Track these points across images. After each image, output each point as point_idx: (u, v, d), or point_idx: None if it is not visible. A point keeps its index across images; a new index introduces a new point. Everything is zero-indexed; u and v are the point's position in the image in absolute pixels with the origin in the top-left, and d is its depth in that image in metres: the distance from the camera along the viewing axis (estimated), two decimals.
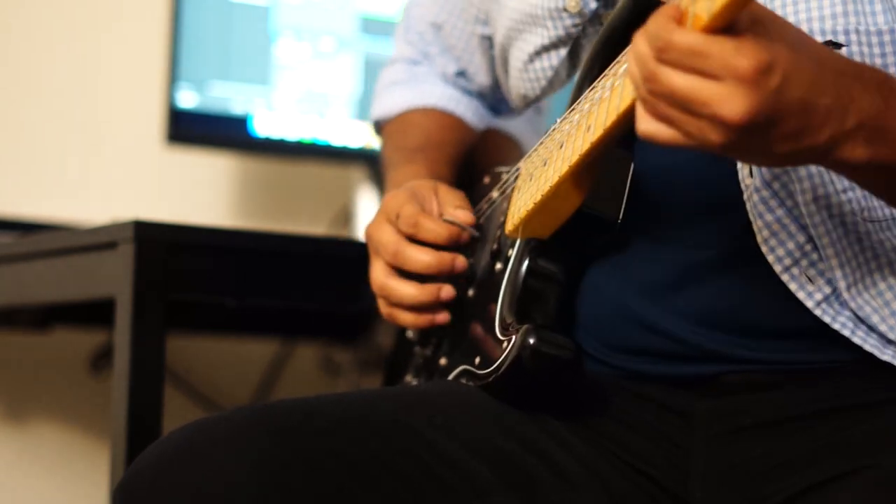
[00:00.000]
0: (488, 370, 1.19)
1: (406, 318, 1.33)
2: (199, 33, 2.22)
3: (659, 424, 1.21)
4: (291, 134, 2.28)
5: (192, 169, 2.47)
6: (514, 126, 1.69)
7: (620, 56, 1.08)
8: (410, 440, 1.14)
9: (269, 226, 2.50)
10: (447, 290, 1.31)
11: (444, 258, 1.31)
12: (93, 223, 1.99)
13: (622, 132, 1.06)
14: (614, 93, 1.05)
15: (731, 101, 0.91)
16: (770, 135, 0.94)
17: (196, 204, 2.49)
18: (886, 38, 1.12)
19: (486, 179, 1.43)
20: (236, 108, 2.25)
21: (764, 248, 1.15)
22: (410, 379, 1.42)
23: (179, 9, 2.21)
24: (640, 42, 0.95)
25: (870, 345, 1.15)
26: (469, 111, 1.60)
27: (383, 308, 1.35)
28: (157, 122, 2.37)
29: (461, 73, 1.59)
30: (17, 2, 2.40)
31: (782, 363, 1.18)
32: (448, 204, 1.35)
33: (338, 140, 2.30)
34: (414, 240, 1.32)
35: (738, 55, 0.91)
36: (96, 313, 2.08)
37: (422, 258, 1.31)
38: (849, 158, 0.98)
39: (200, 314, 2.17)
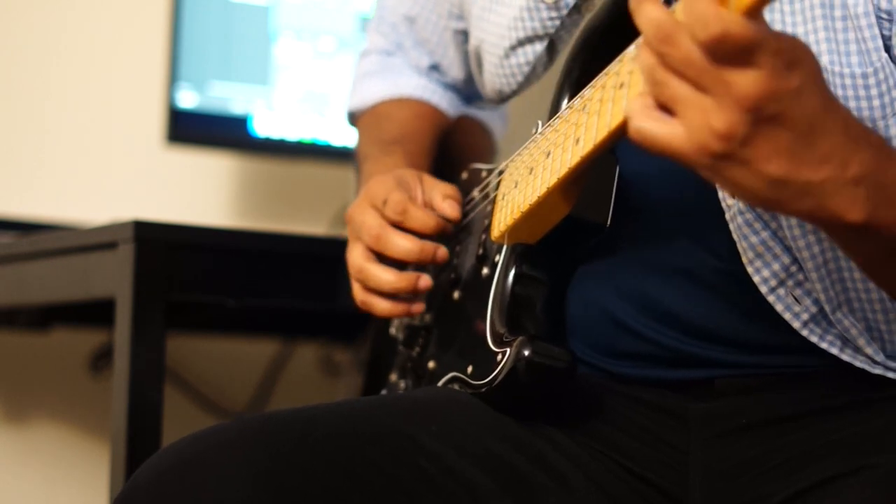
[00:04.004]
0: (483, 381, 1.18)
1: (382, 305, 1.31)
2: (199, 33, 2.22)
3: (654, 427, 1.21)
4: (291, 134, 2.28)
5: (192, 169, 2.47)
6: (482, 113, 1.68)
7: (609, 68, 1.04)
8: (409, 449, 1.13)
9: (269, 226, 2.50)
10: (425, 280, 1.30)
11: (427, 247, 1.29)
12: (93, 223, 1.99)
13: (612, 145, 1.04)
14: (604, 107, 1.02)
15: (749, 79, 0.87)
16: (771, 138, 0.89)
17: (196, 204, 2.49)
18: (849, 81, 1.10)
19: (465, 175, 1.41)
20: (236, 108, 2.25)
21: (749, 269, 1.14)
22: (396, 379, 1.41)
23: (179, 9, 2.21)
24: (651, 9, 0.89)
25: (859, 362, 1.15)
26: (444, 101, 1.59)
27: (359, 294, 1.33)
28: (157, 122, 2.37)
29: (434, 67, 1.58)
30: (18, 3, 2.40)
31: (776, 367, 1.18)
32: (436, 193, 1.33)
33: (338, 140, 2.30)
34: (398, 227, 1.30)
35: (777, 47, 0.87)
36: (96, 313, 2.08)
37: (404, 245, 1.29)
38: (846, 214, 0.92)
39: (200, 314, 2.17)
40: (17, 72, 2.40)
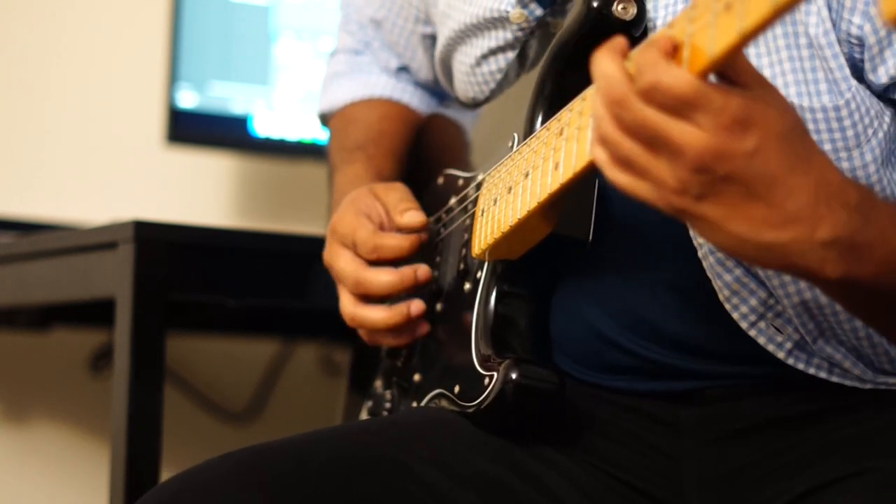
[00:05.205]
0: (471, 403, 1.18)
1: (389, 340, 1.32)
2: (199, 33, 2.22)
3: (645, 434, 1.20)
4: (291, 134, 2.28)
5: (192, 169, 2.47)
6: (454, 111, 1.66)
7: (585, 92, 1.03)
8: (401, 477, 1.12)
9: (269, 226, 2.50)
10: (417, 306, 1.29)
11: (406, 274, 1.29)
12: (93, 223, 1.99)
13: (592, 172, 1.02)
14: (582, 135, 1.01)
15: (694, 139, 0.87)
16: (726, 198, 0.89)
17: (196, 204, 2.49)
18: (820, 115, 1.09)
19: (440, 180, 1.40)
20: (236, 108, 2.25)
21: (727, 307, 1.13)
22: (381, 389, 1.40)
23: (179, 9, 2.21)
24: (607, 64, 0.90)
25: (850, 381, 1.14)
26: (415, 99, 1.57)
27: (364, 336, 1.34)
28: (157, 122, 2.37)
29: (403, 68, 1.57)
30: (18, 3, 2.40)
31: (767, 375, 1.17)
32: (393, 208, 1.32)
33: None
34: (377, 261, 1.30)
35: (723, 107, 0.87)
36: (96, 313, 2.08)
37: (384, 280, 1.29)
38: (819, 272, 0.92)
39: (200, 314, 2.17)
40: (17, 72, 2.40)
